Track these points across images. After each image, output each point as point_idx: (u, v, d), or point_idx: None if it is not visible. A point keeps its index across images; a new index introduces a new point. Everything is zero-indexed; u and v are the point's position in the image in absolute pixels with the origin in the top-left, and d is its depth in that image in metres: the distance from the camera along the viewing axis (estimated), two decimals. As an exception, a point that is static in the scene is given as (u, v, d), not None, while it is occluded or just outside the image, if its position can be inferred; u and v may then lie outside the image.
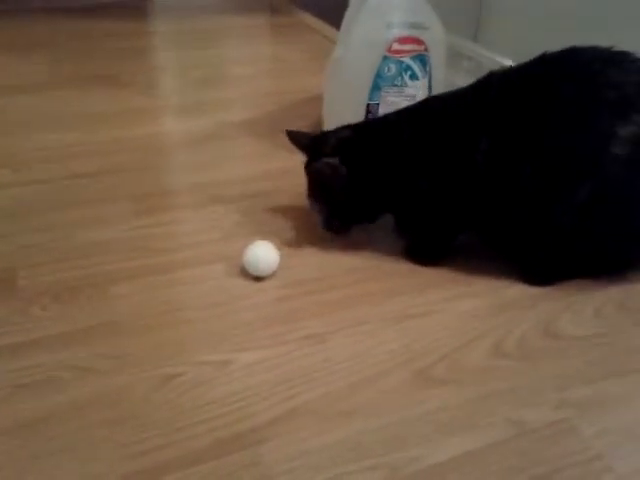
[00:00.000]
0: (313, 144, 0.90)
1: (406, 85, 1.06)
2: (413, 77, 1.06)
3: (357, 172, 0.84)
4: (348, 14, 1.10)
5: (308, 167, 0.89)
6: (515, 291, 0.83)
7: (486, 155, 0.77)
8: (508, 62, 1.12)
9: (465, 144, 0.79)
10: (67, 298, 0.80)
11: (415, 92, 1.06)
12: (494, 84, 0.80)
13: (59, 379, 0.68)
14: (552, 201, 0.76)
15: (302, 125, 1.25)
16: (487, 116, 0.78)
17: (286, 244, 0.89)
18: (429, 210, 0.84)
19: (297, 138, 0.93)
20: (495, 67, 1.13)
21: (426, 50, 1.05)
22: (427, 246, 0.89)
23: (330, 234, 0.90)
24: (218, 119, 1.34)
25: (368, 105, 1.06)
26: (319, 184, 0.87)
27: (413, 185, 0.82)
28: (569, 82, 0.75)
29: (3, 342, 0.73)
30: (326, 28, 1.96)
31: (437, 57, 1.08)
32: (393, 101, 1.06)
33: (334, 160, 0.84)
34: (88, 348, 0.72)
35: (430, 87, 1.08)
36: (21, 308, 0.78)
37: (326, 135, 0.91)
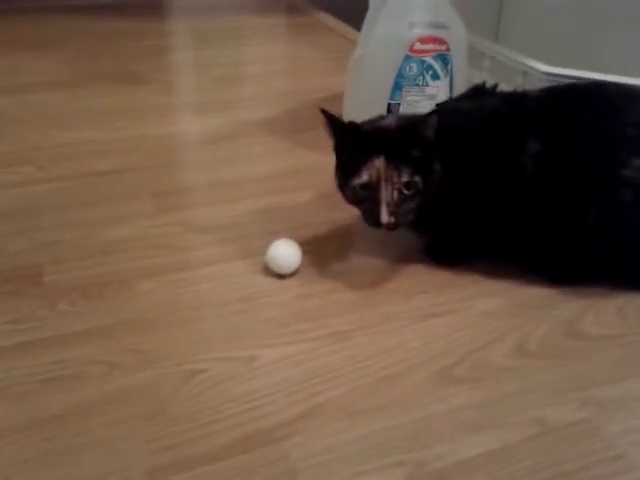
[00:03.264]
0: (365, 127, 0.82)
1: (427, 84, 1.06)
2: (434, 76, 1.06)
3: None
4: (370, 14, 1.10)
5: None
6: (536, 291, 0.83)
7: (526, 169, 0.79)
8: (528, 62, 1.12)
9: (510, 162, 0.80)
10: (93, 294, 0.81)
11: (436, 92, 1.07)
12: (529, 109, 0.81)
13: (86, 374, 0.69)
14: (568, 222, 0.79)
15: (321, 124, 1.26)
16: (527, 140, 0.79)
17: (308, 242, 0.90)
18: (462, 217, 0.84)
19: (338, 124, 0.82)
20: (516, 66, 1.15)
21: (448, 50, 1.05)
22: (449, 247, 0.89)
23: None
24: (237, 117, 1.35)
25: (389, 104, 1.07)
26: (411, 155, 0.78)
27: (453, 191, 0.82)
28: (593, 112, 0.79)
29: (31, 337, 0.74)
30: (344, 28, 1.96)
31: (458, 56, 1.08)
32: (414, 100, 1.07)
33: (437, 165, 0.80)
34: (115, 343, 0.73)
35: (451, 87, 1.08)
36: (48, 304, 0.79)
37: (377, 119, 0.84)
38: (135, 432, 0.62)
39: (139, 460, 0.60)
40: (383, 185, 0.77)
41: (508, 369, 0.71)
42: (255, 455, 0.60)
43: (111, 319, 0.77)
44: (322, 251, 0.90)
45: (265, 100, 1.47)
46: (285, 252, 0.84)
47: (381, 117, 0.86)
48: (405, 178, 0.77)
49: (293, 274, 0.85)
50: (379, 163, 0.77)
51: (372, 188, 0.78)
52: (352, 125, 0.82)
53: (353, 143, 0.80)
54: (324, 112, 0.81)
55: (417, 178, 0.77)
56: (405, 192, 0.77)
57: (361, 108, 1.12)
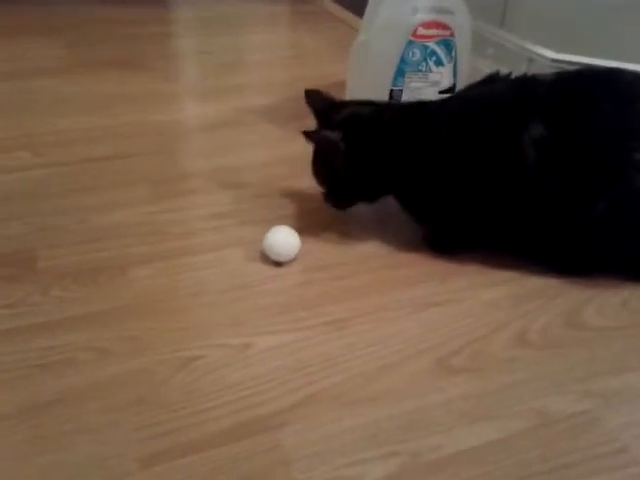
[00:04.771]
0: (327, 110, 0.88)
1: (430, 71, 1.05)
2: (438, 62, 1.04)
3: (367, 152, 0.83)
4: (373, -1, 1.09)
5: (308, 136, 0.86)
6: (538, 281, 0.82)
7: (529, 157, 0.76)
8: (535, 48, 1.10)
9: (510, 146, 0.78)
10: (87, 280, 0.79)
11: (439, 78, 1.05)
12: (539, 94, 0.79)
13: (79, 360, 0.68)
14: (574, 211, 0.77)
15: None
16: (531, 125, 0.77)
17: (306, 229, 0.88)
18: (455, 205, 0.82)
19: (315, 100, 0.90)
20: (521, 53, 1.13)
21: (452, 35, 1.04)
22: (448, 236, 0.88)
23: (335, 208, 0.90)
24: (237, 105, 1.33)
25: (392, 90, 1.05)
26: (319, 157, 0.86)
27: (444, 180, 0.81)
28: (610, 99, 0.77)
29: (24, 322, 0.73)
30: (348, 16, 1.94)
31: (463, 43, 1.06)
32: (417, 86, 1.05)
33: (335, 134, 0.82)
34: (108, 330, 0.72)
35: (455, 73, 1.07)
36: (41, 289, 0.78)
37: (343, 105, 0.88)
38: (129, 418, 0.61)
39: (132, 446, 0.59)
40: None
41: (508, 359, 0.70)
42: (250, 443, 0.59)
43: (106, 305, 0.76)
44: (320, 239, 0.88)
45: (267, 88, 1.46)
46: (283, 240, 0.83)
47: (372, 104, 0.88)
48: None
49: (291, 262, 0.83)
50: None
51: None
52: (328, 108, 0.88)
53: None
54: (307, 93, 0.89)
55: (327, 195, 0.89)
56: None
57: (363, 95, 1.11)
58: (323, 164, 0.86)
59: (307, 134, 0.86)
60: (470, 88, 0.89)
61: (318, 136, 0.84)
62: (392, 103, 0.91)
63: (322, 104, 0.89)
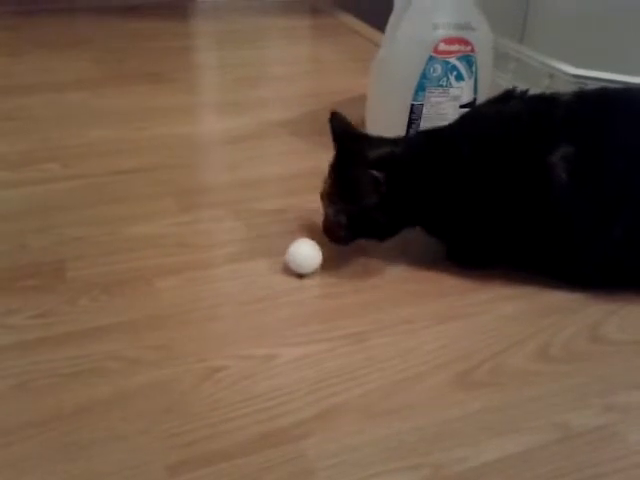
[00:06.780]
0: (354, 144, 0.85)
1: (451, 86, 1.05)
2: (459, 78, 1.05)
3: (400, 190, 0.81)
4: (394, 15, 1.10)
5: (341, 167, 0.85)
6: (560, 295, 0.82)
7: (552, 179, 0.77)
8: (555, 64, 1.10)
9: (535, 165, 0.78)
10: (114, 290, 0.81)
11: (460, 93, 1.06)
12: (557, 116, 0.79)
13: (107, 369, 0.69)
14: (596, 230, 0.77)
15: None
16: (558, 144, 0.77)
17: (328, 243, 0.89)
18: (477, 223, 0.82)
19: (337, 124, 0.87)
20: (542, 69, 1.13)
21: (472, 51, 1.04)
22: (471, 251, 0.88)
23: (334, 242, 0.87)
24: (259, 118, 1.35)
25: (412, 106, 1.06)
26: (353, 189, 0.82)
27: (466, 199, 0.81)
28: (628, 121, 0.77)
29: (52, 332, 0.74)
30: (368, 30, 1.96)
31: (483, 58, 1.07)
32: (437, 101, 1.06)
33: (380, 175, 0.79)
34: (135, 340, 0.73)
35: (476, 88, 1.08)
36: (70, 299, 0.79)
37: (371, 142, 0.86)
38: (155, 428, 0.63)
39: (159, 455, 0.60)
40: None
41: (529, 373, 0.70)
42: (274, 452, 0.60)
43: (132, 315, 0.77)
44: (342, 252, 0.89)
45: (287, 101, 1.47)
46: (305, 252, 0.84)
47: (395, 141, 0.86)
48: (329, 210, 0.84)
49: (313, 274, 0.85)
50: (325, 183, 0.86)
51: None
52: (350, 137, 0.86)
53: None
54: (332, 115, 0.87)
55: (342, 218, 0.82)
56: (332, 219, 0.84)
57: (384, 109, 1.13)
58: (355, 197, 0.82)
59: (339, 165, 0.85)
60: (485, 105, 0.90)
61: (361, 172, 0.80)
62: (411, 137, 0.90)
63: (343, 130, 0.87)
